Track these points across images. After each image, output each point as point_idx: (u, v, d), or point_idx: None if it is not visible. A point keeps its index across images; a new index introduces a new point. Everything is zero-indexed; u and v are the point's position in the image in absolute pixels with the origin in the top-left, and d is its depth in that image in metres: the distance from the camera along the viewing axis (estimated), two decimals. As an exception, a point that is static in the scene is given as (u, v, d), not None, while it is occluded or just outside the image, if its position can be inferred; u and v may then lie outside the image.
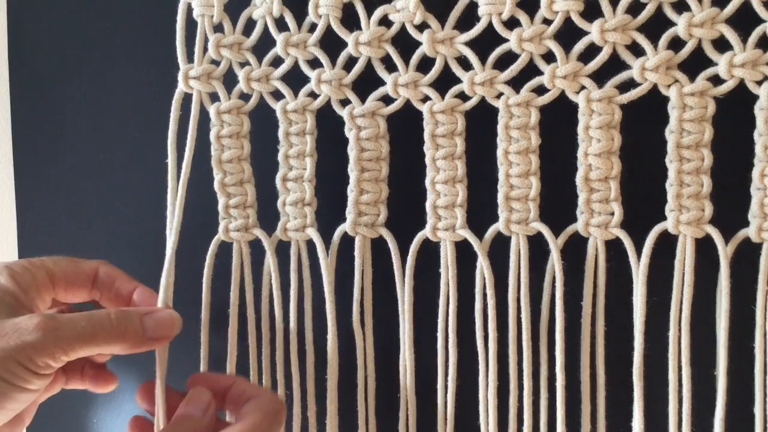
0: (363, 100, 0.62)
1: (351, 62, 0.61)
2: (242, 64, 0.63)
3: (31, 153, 0.71)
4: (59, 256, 0.59)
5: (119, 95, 0.69)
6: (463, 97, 0.60)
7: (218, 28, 0.63)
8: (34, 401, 0.58)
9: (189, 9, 0.63)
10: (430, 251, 0.63)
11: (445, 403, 0.63)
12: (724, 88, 0.56)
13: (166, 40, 0.63)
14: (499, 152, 0.60)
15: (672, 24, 0.56)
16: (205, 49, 0.63)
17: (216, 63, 0.63)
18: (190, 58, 0.63)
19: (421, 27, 0.60)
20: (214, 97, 0.64)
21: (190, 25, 0.63)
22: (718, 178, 0.57)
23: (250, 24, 0.63)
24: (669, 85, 0.57)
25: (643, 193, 0.59)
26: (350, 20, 0.61)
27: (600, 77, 0.58)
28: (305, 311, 0.65)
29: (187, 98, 0.64)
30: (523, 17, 0.58)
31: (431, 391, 0.64)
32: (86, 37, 0.69)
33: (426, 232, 0.62)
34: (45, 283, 0.56)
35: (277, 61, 0.63)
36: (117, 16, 0.68)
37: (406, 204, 0.63)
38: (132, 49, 0.68)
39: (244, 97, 0.64)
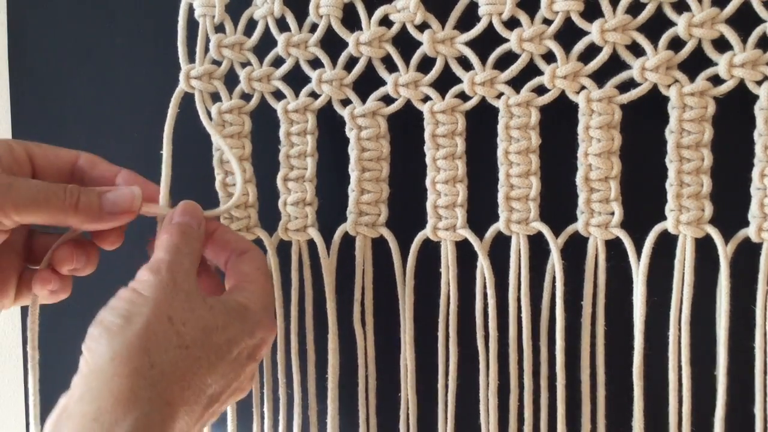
0: (364, 100, 0.62)
1: (352, 62, 0.62)
2: (243, 64, 0.63)
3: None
4: (42, 143, 0.58)
5: (119, 95, 0.69)
6: (463, 97, 0.60)
7: (219, 29, 0.63)
8: (5, 279, 0.57)
9: (190, 9, 0.63)
10: (430, 251, 0.63)
11: (446, 402, 0.63)
12: (724, 88, 0.56)
13: (167, 40, 0.63)
14: (500, 152, 0.60)
15: (672, 24, 0.56)
16: (207, 49, 0.63)
17: (217, 63, 0.63)
18: (191, 58, 0.63)
19: (422, 27, 0.60)
20: (215, 97, 0.64)
21: (192, 25, 0.63)
22: (718, 178, 0.57)
23: (251, 24, 0.63)
24: (669, 85, 0.57)
25: (643, 193, 0.59)
26: (351, 20, 0.61)
27: (600, 77, 0.58)
28: (306, 311, 0.65)
29: (186, 98, 0.63)
30: (523, 17, 0.58)
31: (432, 390, 0.64)
32: (86, 37, 0.69)
33: (426, 232, 0.62)
34: (24, 162, 0.55)
35: (278, 62, 0.63)
36: (117, 16, 0.69)
37: (406, 204, 0.63)
38: (132, 49, 0.68)
39: (246, 97, 0.64)
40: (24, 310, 0.73)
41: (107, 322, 0.48)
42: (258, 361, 0.55)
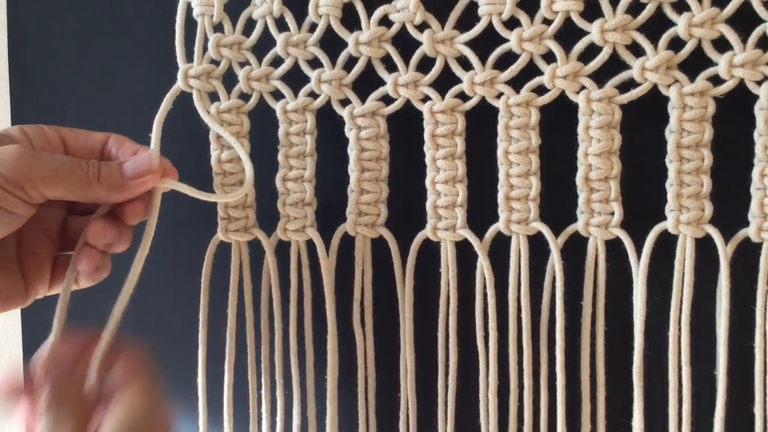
0: (363, 100, 0.62)
1: (351, 62, 0.61)
2: (242, 64, 0.63)
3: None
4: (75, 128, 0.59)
5: (119, 95, 0.68)
6: (463, 97, 0.60)
7: (218, 28, 0.63)
8: (40, 265, 0.57)
9: (189, 8, 0.63)
10: (430, 251, 0.63)
11: (446, 402, 0.63)
12: (724, 88, 0.56)
13: (167, 40, 0.63)
14: (500, 152, 0.60)
15: (672, 24, 0.57)
16: (205, 49, 0.63)
17: (215, 63, 0.63)
18: (189, 58, 0.63)
19: (422, 27, 0.60)
20: (213, 97, 0.64)
21: (190, 24, 0.63)
22: (718, 178, 0.57)
23: (250, 24, 0.63)
24: (669, 85, 0.57)
25: (643, 193, 0.59)
26: (350, 20, 0.61)
27: (600, 77, 0.58)
28: (305, 311, 0.65)
29: (185, 98, 0.63)
30: (523, 17, 0.58)
31: (432, 390, 0.64)
32: (86, 37, 0.69)
33: (426, 232, 0.62)
34: (57, 144, 0.56)
35: (276, 61, 0.63)
36: (117, 16, 0.68)
37: (406, 204, 0.63)
38: (132, 49, 0.68)
39: (244, 96, 0.64)
40: (24, 311, 0.72)
41: None
42: None
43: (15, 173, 0.50)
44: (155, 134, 0.60)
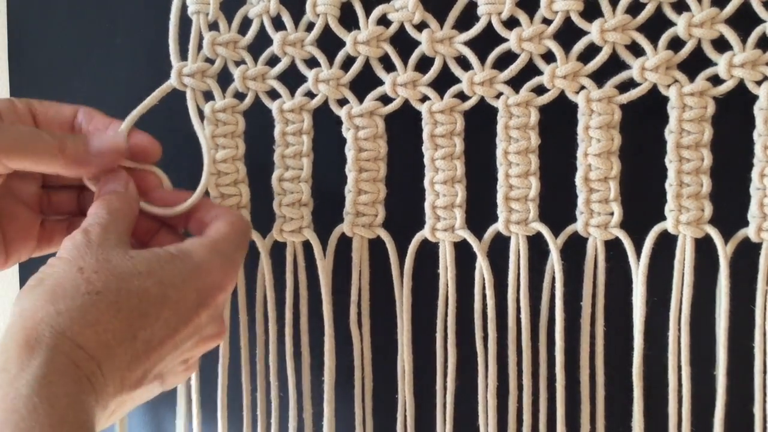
0: (361, 99, 0.61)
1: (349, 62, 0.61)
2: (237, 63, 0.63)
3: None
4: (45, 100, 0.58)
5: (119, 95, 0.68)
6: (462, 96, 0.60)
7: (213, 27, 0.62)
8: (22, 230, 0.58)
9: (183, 6, 0.62)
10: (428, 252, 0.62)
11: (444, 404, 0.63)
12: (723, 88, 0.56)
13: (166, 40, 0.62)
14: (499, 152, 0.60)
15: (672, 24, 0.56)
16: (200, 47, 0.62)
17: (210, 61, 0.63)
18: (183, 56, 0.62)
19: (420, 26, 0.60)
20: (207, 96, 0.63)
21: (187, 23, 0.62)
22: (717, 178, 0.57)
23: (246, 23, 0.62)
24: (669, 85, 0.57)
25: (642, 193, 0.59)
26: (348, 19, 0.60)
27: (600, 77, 0.58)
28: (301, 313, 0.65)
29: (175, 95, 0.63)
30: (522, 17, 0.58)
31: (430, 392, 0.64)
32: (86, 37, 0.68)
33: (425, 233, 0.62)
34: (26, 117, 0.56)
35: (272, 61, 0.62)
36: (117, 16, 0.68)
37: (404, 204, 0.62)
38: (132, 49, 0.67)
39: (239, 96, 0.63)
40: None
41: (25, 287, 0.48)
42: (213, 307, 0.53)
43: None
44: (131, 117, 0.59)
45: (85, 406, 0.44)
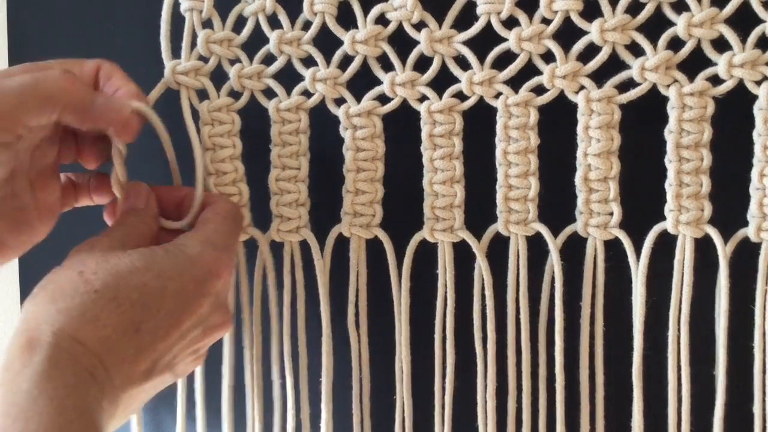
0: (359, 99, 0.61)
1: (347, 61, 0.60)
2: (232, 62, 0.62)
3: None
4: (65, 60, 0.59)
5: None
6: (461, 96, 0.60)
7: (207, 25, 0.61)
8: (45, 208, 0.58)
9: (176, 4, 0.61)
10: (426, 252, 0.62)
11: (443, 405, 0.63)
12: (723, 88, 0.57)
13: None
14: (498, 152, 0.59)
15: (671, 24, 0.56)
16: (193, 45, 0.61)
17: (204, 60, 0.62)
18: (176, 54, 0.62)
19: (419, 26, 0.59)
20: (201, 95, 0.62)
21: (180, 22, 0.61)
22: (717, 178, 0.57)
23: (240, 21, 0.62)
24: (668, 85, 0.57)
25: (642, 193, 0.59)
26: (346, 18, 0.60)
27: (599, 77, 0.58)
28: (298, 313, 0.64)
29: (171, 94, 0.62)
30: (522, 17, 0.58)
31: (428, 393, 0.63)
32: (86, 37, 0.68)
33: (423, 233, 0.61)
34: None
35: (268, 59, 0.62)
36: (117, 16, 0.67)
37: (402, 205, 0.62)
38: (132, 49, 0.67)
39: (234, 94, 0.62)
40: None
41: (30, 295, 0.50)
42: (214, 295, 0.54)
43: None
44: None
45: (87, 398, 0.46)
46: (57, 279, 0.50)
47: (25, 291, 0.72)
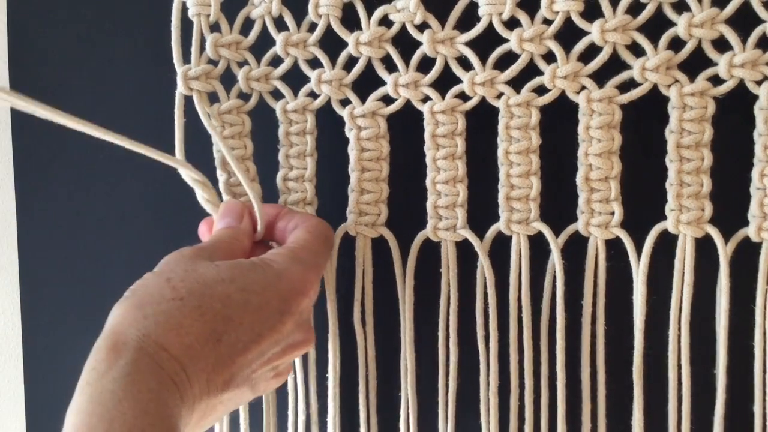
0: (363, 100, 0.62)
1: (351, 62, 0.61)
2: (240, 64, 0.63)
3: (31, 153, 0.71)
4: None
5: (119, 95, 0.68)
6: (463, 97, 0.60)
7: (214, 28, 0.63)
8: None
9: (184, 8, 0.62)
10: (430, 251, 0.63)
11: (446, 401, 0.64)
12: (723, 88, 0.56)
13: (167, 40, 0.62)
14: (500, 152, 0.60)
15: (672, 24, 0.56)
16: (202, 49, 0.63)
17: (213, 63, 0.63)
18: (186, 59, 0.63)
19: (422, 27, 0.60)
20: (212, 97, 0.64)
21: (185, 26, 0.62)
22: (718, 178, 0.57)
23: (247, 24, 0.63)
24: (669, 85, 0.57)
25: (643, 193, 0.59)
26: (350, 20, 0.61)
27: (600, 77, 0.58)
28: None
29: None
30: (523, 17, 0.58)
31: (432, 389, 0.64)
32: (86, 37, 0.69)
33: (427, 232, 0.62)
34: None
35: (275, 61, 0.63)
36: (117, 16, 0.68)
37: (406, 204, 0.63)
38: (132, 49, 0.68)
39: (243, 96, 0.64)
40: (24, 311, 0.72)
41: (120, 299, 0.51)
42: (297, 314, 0.55)
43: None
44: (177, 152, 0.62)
45: (168, 402, 0.46)
46: (146, 284, 0.51)
47: (25, 291, 0.73)
